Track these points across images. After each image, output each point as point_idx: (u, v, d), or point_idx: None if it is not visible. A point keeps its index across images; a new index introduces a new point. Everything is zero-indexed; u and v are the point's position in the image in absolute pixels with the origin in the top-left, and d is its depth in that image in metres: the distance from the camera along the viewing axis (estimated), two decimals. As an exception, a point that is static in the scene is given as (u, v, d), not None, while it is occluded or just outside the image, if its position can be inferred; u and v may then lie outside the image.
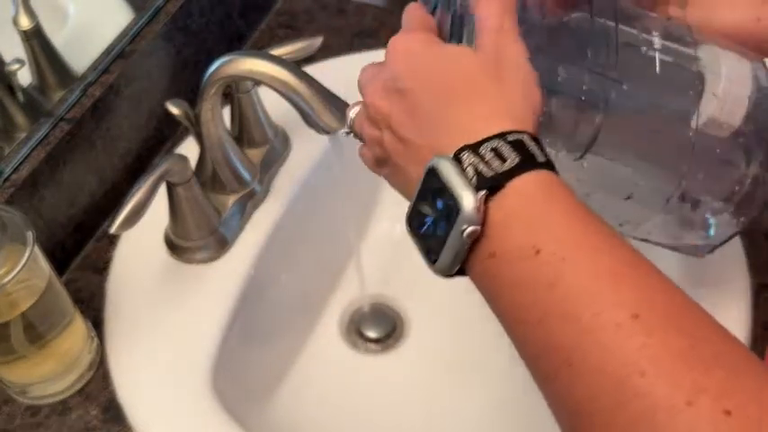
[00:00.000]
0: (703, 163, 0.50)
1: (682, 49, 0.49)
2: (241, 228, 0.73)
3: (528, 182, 0.39)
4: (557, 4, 0.46)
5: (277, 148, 0.77)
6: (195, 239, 0.70)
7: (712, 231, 0.52)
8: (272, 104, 0.73)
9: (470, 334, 0.73)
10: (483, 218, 0.38)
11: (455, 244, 0.39)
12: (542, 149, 0.40)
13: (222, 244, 0.71)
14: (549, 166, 0.40)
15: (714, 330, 0.35)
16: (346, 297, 0.82)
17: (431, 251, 0.41)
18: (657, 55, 0.48)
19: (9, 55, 0.69)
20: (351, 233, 0.78)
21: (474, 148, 0.39)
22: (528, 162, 0.39)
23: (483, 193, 0.38)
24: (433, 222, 0.41)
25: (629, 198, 0.51)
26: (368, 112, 0.45)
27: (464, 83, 0.42)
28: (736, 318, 0.64)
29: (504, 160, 0.39)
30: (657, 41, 0.48)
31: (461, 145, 0.40)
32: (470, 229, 0.38)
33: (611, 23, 0.48)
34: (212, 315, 0.68)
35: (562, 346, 0.36)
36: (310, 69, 0.65)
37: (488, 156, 0.39)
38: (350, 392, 0.76)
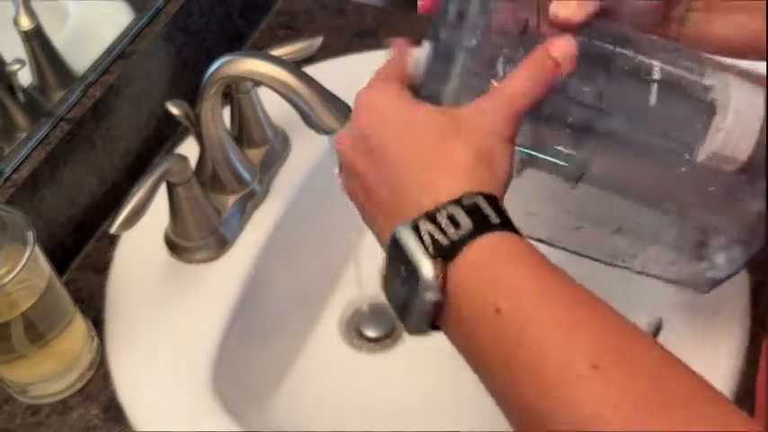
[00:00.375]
0: (703, 197, 0.48)
1: (688, 76, 0.47)
2: (241, 228, 0.73)
3: (482, 245, 0.40)
4: (554, 29, 0.46)
5: (277, 149, 0.77)
6: (195, 239, 0.70)
7: (716, 265, 0.50)
8: (272, 104, 0.73)
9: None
10: (443, 284, 0.40)
11: (419, 310, 0.41)
12: (498, 210, 0.41)
13: (222, 244, 0.72)
14: (505, 225, 0.41)
15: (679, 370, 0.36)
16: (346, 297, 0.82)
17: (403, 314, 0.43)
18: (656, 85, 0.46)
19: (9, 55, 0.70)
20: (350, 233, 0.78)
21: (430, 215, 0.40)
22: (482, 226, 0.40)
23: (440, 260, 0.40)
24: (400, 288, 0.42)
25: (618, 231, 0.50)
26: (340, 160, 0.47)
27: (426, 145, 0.43)
28: (734, 315, 0.64)
29: (458, 226, 0.40)
30: (659, 69, 0.46)
31: (419, 212, 0.41)
32: (431, 295, 0.40)
33: (610, 48, 0.47)
34: (212, 315, 0.68)
35: (531, 406, 0.37)
36: (310, 69, 0.65)
37: (444, 223, 0.40)
38: (350, 392, 0.76)
